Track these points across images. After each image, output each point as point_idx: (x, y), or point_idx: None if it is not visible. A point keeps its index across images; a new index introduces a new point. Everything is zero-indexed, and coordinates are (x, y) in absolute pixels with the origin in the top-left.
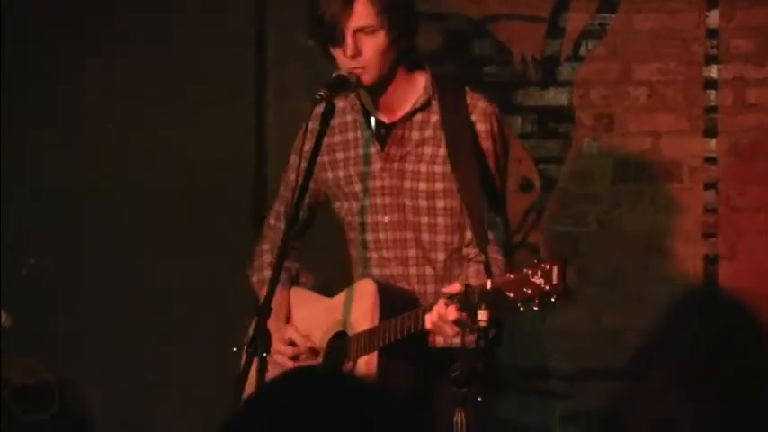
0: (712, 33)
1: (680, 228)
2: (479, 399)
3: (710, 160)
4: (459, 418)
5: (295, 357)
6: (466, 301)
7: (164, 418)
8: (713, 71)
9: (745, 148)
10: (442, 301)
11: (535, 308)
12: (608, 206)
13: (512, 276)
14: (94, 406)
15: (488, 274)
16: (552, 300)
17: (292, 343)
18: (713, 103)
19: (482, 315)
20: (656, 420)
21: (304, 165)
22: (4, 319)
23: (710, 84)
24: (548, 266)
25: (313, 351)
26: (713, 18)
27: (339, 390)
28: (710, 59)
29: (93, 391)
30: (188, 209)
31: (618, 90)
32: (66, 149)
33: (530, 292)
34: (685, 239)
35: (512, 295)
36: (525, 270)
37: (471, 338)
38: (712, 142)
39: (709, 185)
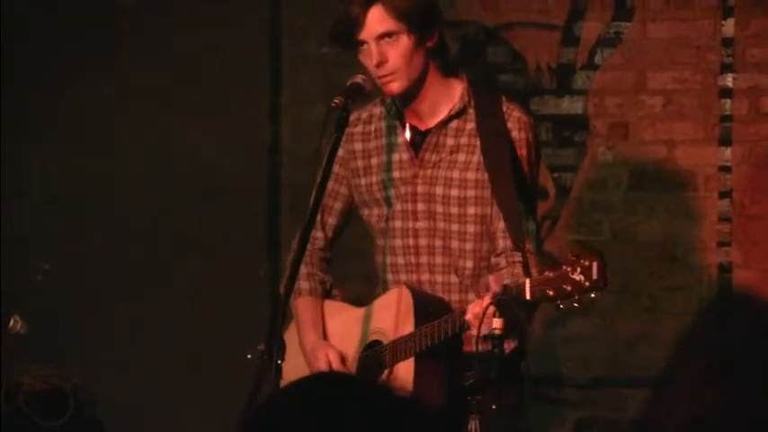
0: (727, 42)
1: (694, 236)
2: (494, 406)
3: (725, 169)
4: (473, 425)
5: None
6: (505, 300)
7: (178, 422)
8: (728, 80)
9: (759, 156)
10: (488, 295)
11: (575, 304)
12: (622, 215)
13: (550, 274)
14: (108, 411)
15: (527, 273)
16: (592, 296)
17: (330, 366)
18: (728, 112)
19: (496, 323)
20: (673, 427)
21: (336, 168)
22: (20, 326)
23: (725, 92)
24: (586, 262)
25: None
26: (728, 27)
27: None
28: (725, 68)
29: (107, 396)
30: (201, 211)
31: (633, 98)
32: (65, 149)
33: (569, 288)
34: (700, 248)
35: (551, 293)
36: (564, 267)
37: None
38: (727, 151)
39: (724, 194)
